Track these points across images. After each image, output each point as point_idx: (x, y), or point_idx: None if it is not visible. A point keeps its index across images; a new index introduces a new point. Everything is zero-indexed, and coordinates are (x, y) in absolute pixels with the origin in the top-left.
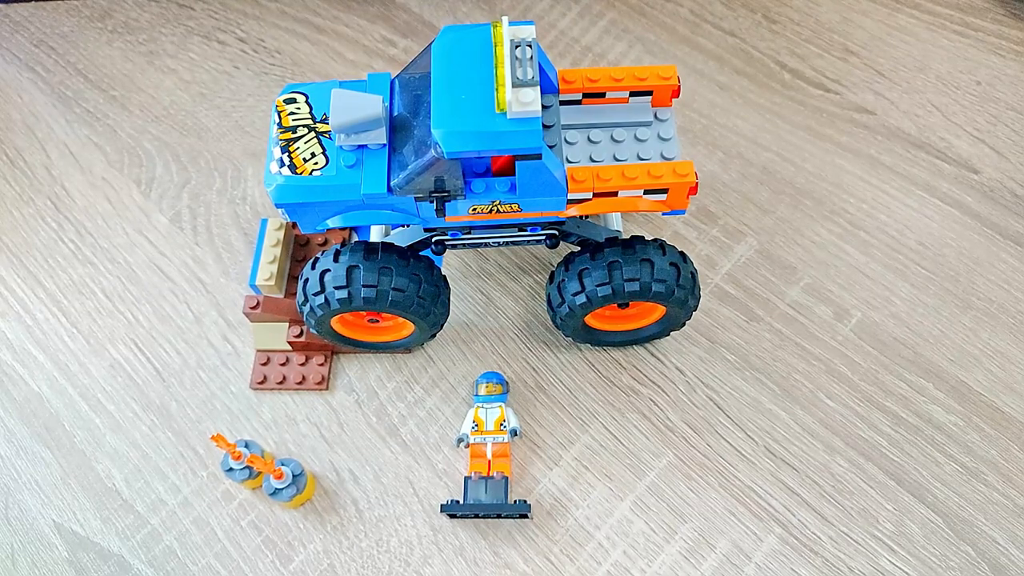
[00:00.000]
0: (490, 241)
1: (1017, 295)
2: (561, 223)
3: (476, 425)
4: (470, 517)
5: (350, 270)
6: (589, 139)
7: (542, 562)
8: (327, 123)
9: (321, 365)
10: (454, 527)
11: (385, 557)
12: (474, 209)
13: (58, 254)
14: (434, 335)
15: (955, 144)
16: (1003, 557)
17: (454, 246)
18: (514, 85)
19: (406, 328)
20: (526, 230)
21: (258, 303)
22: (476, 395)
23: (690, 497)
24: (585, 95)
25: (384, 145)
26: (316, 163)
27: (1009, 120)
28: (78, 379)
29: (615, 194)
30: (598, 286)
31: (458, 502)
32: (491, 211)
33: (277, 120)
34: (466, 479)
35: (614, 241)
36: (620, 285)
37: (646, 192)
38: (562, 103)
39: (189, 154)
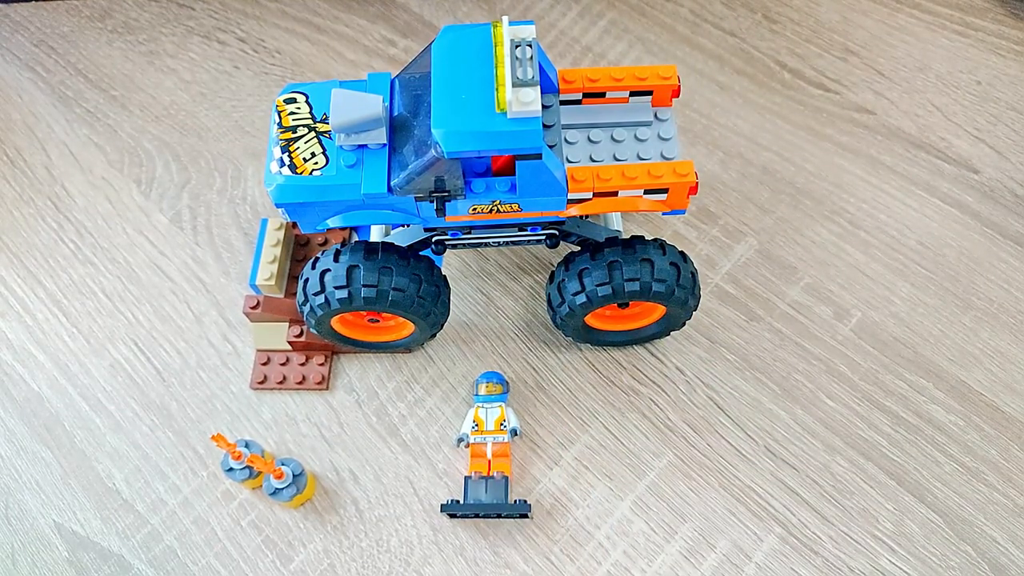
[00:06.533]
0: (490, 241)
1: (1017, 295)
2: (561, 223)
3: (476, 425)
4: (470, 517)
5: (350, 270)
6: (589, 139)
7: (542, 562)
8: (327, 123)
9: (321, 365)
10: (454, 527)
11: (385, 557)
12: (474, 209)
13: (58, 254)
14: (434, 335)
15: (955, 144)
16: (1003, 557)
17: (454, 246)
18: (514, 85)
19: (406, 328)
20: (526, 230)
21: (258, 303)
22: (476, 395)
23: (690, 497)
24: (585, 95)
25: (384, 145)
26: (316, 163)
27: (1009, 120)
28: (78, 379)
29: (615, 194)
30: (598, 286)
31: (458, 502)
32: (491, 211)
33: (277, 120)
34: (466, 479)
35: (614, 241)
36: (620, 285)
37: (646, 192)
38: (562, 103)
39: (189, 154)
